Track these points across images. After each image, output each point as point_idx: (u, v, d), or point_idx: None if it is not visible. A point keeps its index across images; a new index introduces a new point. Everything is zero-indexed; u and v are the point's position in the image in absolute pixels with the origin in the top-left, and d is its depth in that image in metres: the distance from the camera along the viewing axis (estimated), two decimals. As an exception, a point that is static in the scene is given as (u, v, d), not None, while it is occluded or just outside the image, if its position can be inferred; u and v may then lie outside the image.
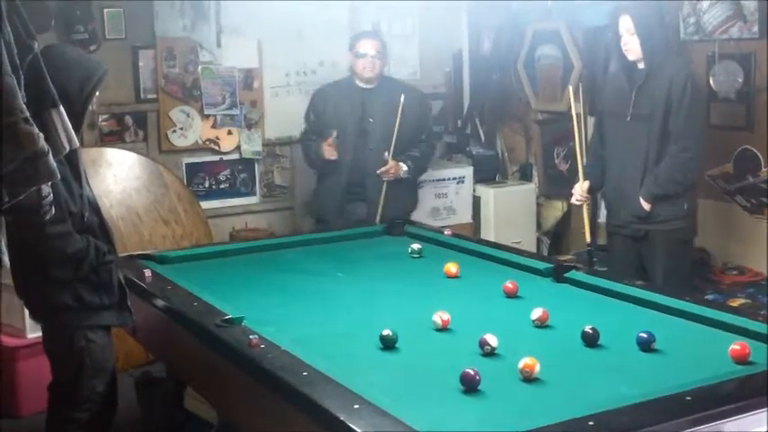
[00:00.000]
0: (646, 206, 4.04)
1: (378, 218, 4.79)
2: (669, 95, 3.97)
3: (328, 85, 5.12)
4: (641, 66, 4.07)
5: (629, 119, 4.09)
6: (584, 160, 4.34)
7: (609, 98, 4.29)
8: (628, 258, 4.19)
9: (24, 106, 2.15)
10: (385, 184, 4.87)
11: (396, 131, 4.80)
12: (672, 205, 4.05)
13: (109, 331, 3.32)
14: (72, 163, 3.08)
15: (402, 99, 4.79)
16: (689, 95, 3.95)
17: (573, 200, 4.41)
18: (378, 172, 4.85)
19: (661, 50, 4.07)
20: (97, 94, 3.28)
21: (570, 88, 4.58)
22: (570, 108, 4.64)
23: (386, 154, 4.85)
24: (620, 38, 4.07)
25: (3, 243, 2.25)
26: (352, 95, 4.95)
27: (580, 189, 4.31)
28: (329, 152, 4.86)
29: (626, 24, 4.03)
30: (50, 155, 2.23)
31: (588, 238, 4.38)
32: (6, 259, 2.27)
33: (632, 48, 4.04)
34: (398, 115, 4.77)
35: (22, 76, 2.20)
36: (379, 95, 4.91)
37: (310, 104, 5.10)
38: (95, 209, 3.27)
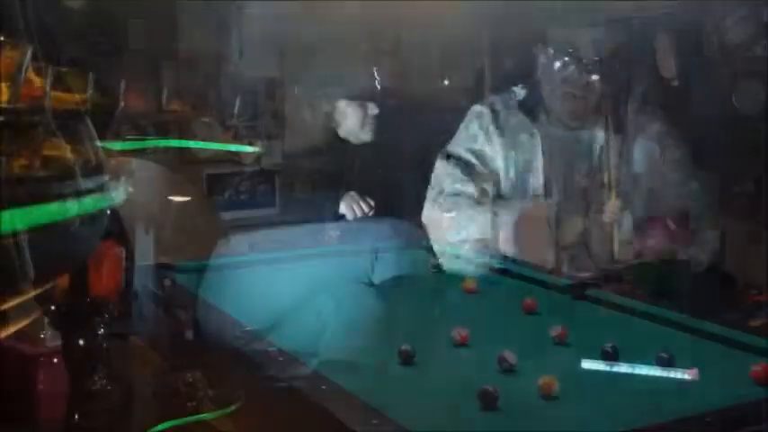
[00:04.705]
0: (672, 226, 4.01)
1: None
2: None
3: None
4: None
5: None
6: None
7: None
8: (652, 279, 4.14)
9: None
10: None
11: None
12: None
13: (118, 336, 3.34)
14: None
15: None
16: None
17: (605, 217, 4.38)
18: None
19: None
20: None
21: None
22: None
23: None
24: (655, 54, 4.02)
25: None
26: None
27: (612, 206, 4.30)
28: None
29: (662, 43, 3.99)
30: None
31: (617, 256, 4.37)
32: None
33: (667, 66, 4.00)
34: None
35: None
36: None
37: None
38: None
